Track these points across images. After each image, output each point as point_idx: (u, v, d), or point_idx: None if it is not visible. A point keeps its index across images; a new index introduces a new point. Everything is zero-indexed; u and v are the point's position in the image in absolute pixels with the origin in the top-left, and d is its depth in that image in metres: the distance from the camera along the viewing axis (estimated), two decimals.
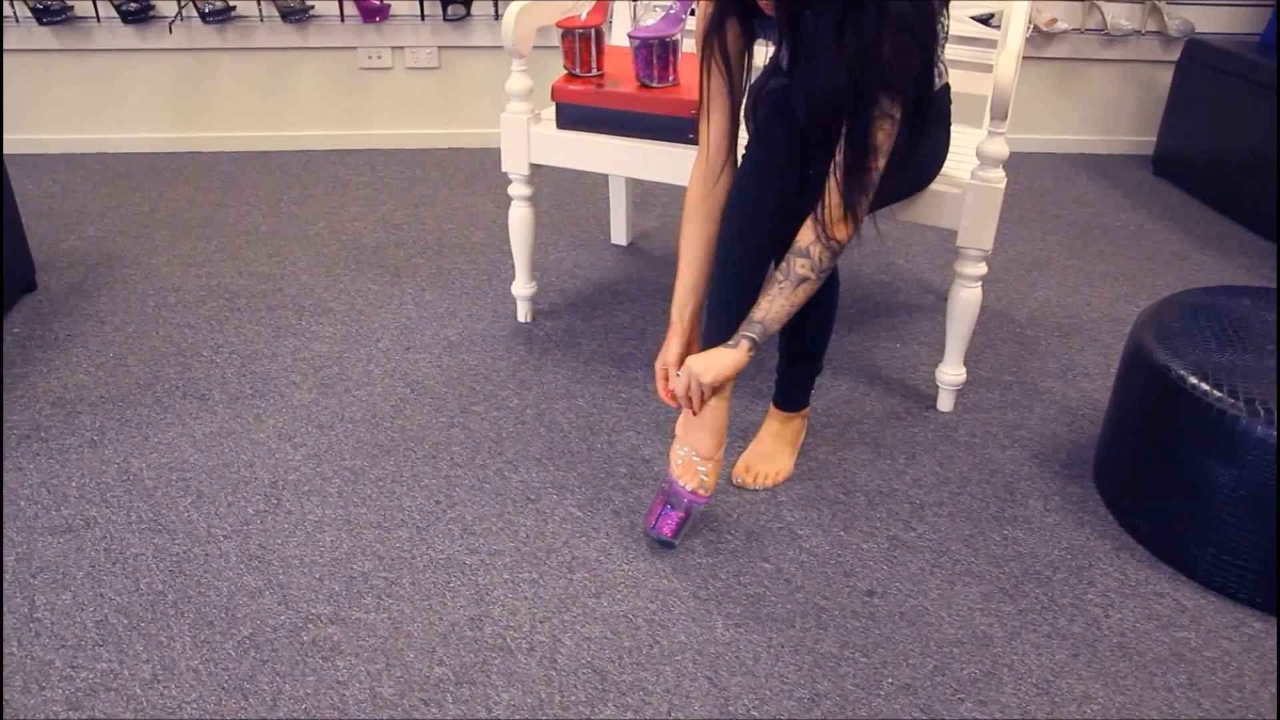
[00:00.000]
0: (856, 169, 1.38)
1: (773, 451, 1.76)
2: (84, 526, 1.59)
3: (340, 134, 3.33)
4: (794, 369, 1.74)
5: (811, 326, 1.67)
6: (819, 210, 1.41)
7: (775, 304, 1.44)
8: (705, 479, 1.54)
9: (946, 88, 1.70)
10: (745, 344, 1.45)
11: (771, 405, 1.78)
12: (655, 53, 1.87)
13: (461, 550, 1.55)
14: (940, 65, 1.74)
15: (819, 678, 1.35)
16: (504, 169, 2.02)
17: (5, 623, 1.40)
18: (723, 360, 1.46)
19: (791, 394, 1.76)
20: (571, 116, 1.96)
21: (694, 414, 1.52)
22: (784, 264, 1.44)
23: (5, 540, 1.56)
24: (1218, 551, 1.50)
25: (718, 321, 1.53)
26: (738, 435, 1.82)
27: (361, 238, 2.65)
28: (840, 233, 1.42)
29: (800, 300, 1.45)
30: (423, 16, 3.13)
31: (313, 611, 1.43)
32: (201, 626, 1.40)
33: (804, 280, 1.44)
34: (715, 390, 1.49)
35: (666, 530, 1.55)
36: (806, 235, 1.43)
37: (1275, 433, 1.40)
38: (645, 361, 2.07)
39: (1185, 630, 1.45)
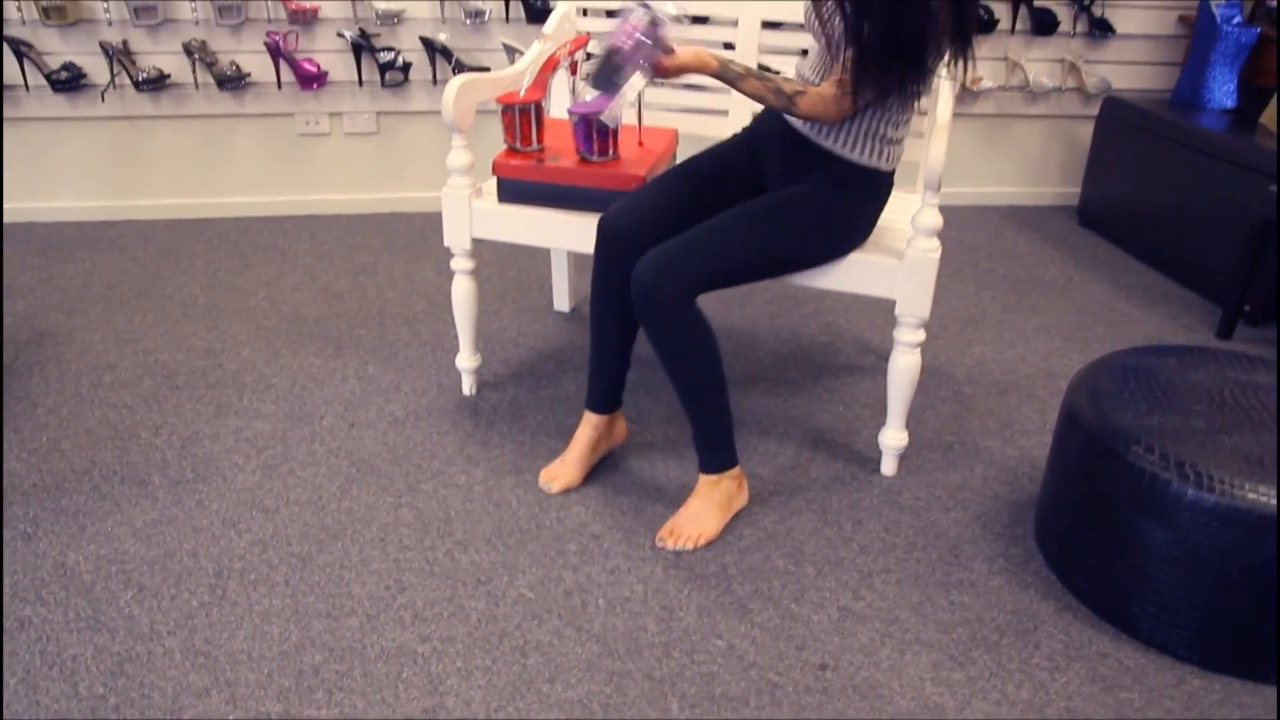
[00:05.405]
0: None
1: (700, 513, 1.77)
2: (18, 628, 1.54)
3: (279, 200, 3.31)
4: (700, 432, 1.77)
5: (704, 390, 1.71)
6: (843, 73, 1.61)
7: (749, 82, 1.65)
8: None
9: (888, 174, 1.76)
10: (715, 62, 1.66)
11: (699, 472, 1.80)
12: (595, 128, 1.90)
13: (413, 638, 1.54)
14: (895, 146, 1.76)
15: None
16: (446, 244, 2.02)
17: None
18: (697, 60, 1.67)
19: (706, 455, 1.78)
20: (513, 191, 1.98)
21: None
22: (779, 80, 1.66)
23: None
24: (1157, 611, 1.54)
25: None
26: (672, 501, 1.82)
27: (302, 309, 2.63)
28: (846, 104, 1.64)
29: (752, 91, 1.66)
30: (360, 83, 3.14)
31: (261, 710, 1.40)
32: None
33: (787, 94, 1.65)
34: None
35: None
36: (826, 87, 1.65)
37: (1212, 497, 1.45)
38: None
39: (1129, 691, 1.48)
